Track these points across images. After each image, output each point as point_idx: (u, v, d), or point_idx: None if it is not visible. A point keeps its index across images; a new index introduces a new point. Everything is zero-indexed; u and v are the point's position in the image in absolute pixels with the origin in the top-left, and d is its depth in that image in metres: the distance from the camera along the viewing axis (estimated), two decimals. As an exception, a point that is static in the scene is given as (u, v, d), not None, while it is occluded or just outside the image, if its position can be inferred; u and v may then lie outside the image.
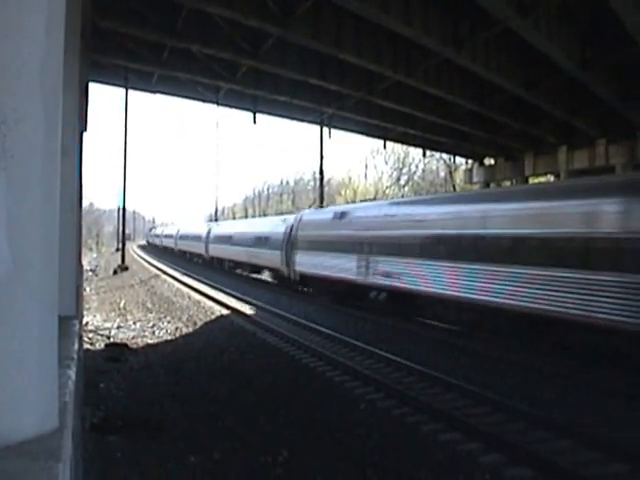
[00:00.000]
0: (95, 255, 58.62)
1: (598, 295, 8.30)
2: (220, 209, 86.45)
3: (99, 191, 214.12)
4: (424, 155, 34.09)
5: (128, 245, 52.49)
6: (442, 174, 44.99)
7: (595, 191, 9.02)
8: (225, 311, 16.48)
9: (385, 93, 18.90)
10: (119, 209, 55.07)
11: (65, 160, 2.42)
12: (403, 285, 12.85)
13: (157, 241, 63.58)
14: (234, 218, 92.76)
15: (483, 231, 10.62)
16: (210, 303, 18.13)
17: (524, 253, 9.63)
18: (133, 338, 12.55)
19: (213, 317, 15.41)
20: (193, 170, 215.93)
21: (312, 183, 62.89)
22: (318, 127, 34.94)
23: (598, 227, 8.49)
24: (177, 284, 24.34)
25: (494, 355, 10.27)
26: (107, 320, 15.09)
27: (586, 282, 8.48)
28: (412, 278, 12.44)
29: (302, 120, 24.13)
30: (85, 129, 11.60)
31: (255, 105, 21.29)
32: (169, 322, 14.74)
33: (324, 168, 39.31)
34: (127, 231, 48.59)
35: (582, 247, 8.61)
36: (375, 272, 14.00)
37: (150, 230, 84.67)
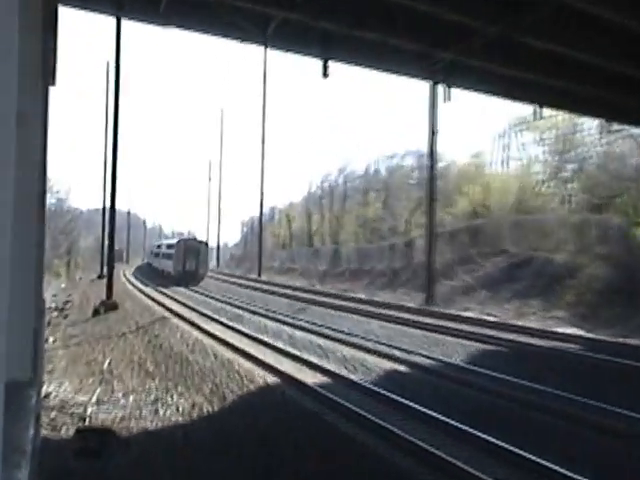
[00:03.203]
0: (64, 284, 59.85)
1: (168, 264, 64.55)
2: (267, 211, 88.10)
3: (74, 180, 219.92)
4: (603, 131, 33.25)
5: (118, 269, 53.40)
6: (634, 161, 43.53)
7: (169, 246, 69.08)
8: (272, 378, 16.55)
9: (537, 26, 18.55)
10: (105, 210, 56.56)
11: (22, 131, 2.46)
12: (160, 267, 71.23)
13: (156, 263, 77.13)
14: (289, 224, 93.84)
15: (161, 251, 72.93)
16: (248, 364, 18.26)
17: (168, 256, 64.61)
18: (122, 420, 12.58)
19: (252, 388, 15.47)
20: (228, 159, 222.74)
21: (416, 174, 62.36)
22: (427, 84, 35.06)
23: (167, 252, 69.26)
24: (195, 332, 24.63)
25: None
26: (81, 390, 15.26)
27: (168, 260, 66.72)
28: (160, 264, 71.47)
29: (401, 72, 24.06)
30: (53, 82, 11.85)
31: (326, 47, 21.28)
32: (181, 395, 14.85)
33: (437, 150, 39.13)
34: (117, 246, 49.93)
35: (166, 254, 68.82)
36: (164, 265, 67.96)
37: (152, 249, 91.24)
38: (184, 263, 60.91)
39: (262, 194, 72.20)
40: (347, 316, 32.26)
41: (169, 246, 69.02)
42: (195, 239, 73.31)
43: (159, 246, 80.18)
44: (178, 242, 65.06)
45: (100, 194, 61.26)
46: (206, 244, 68.52)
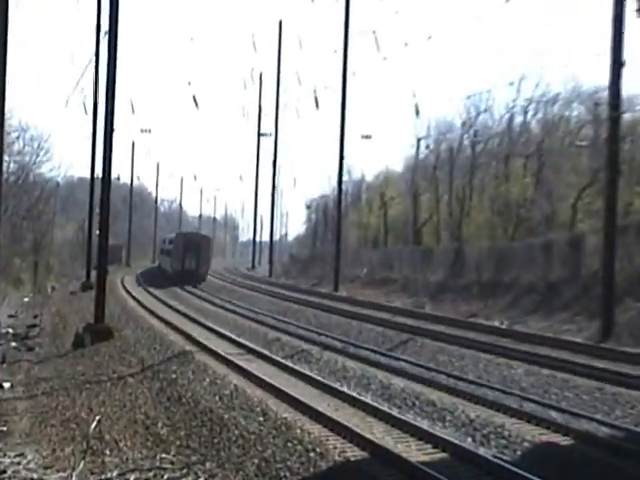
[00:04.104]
0: (28, 298, 60.44)
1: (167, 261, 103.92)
2: (348, 187, 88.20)
3: (46, 133, 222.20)
4: None
5: (115, 275, 53.09)
6: None
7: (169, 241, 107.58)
8: (354, 451, 16.49)
9: None
10: (95, 180, 57.14)
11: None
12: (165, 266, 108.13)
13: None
14: (384, 208, 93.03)
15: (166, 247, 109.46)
16: (317, 429, 18.29)
17: (168, 253, 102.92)
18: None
19: (323, 466, 15.34)
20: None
21: (589, 131, 61.35)
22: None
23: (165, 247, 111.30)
24: (234, 376, 24.64)
25: None
26: (54, 465, 15.38)
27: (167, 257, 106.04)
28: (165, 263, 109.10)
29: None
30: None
31: None
32: (212, 476, 14.85)
33: (625, 92, 38.44)
34: (112, 240, 50.36)
35: (166, 250, 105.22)
36: (164, 262, 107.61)
37: (161, 245, 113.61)
38: (183, 260, 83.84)
39: (342, 157, 70.18)
40: (474, 355, 31.99)
41: (170, 241, 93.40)
42: (195, 232, 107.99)
43: (164, 241, 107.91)
44: (177, 236, 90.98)
45: (87, 154, 60.53)
46: (208, 238, 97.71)
